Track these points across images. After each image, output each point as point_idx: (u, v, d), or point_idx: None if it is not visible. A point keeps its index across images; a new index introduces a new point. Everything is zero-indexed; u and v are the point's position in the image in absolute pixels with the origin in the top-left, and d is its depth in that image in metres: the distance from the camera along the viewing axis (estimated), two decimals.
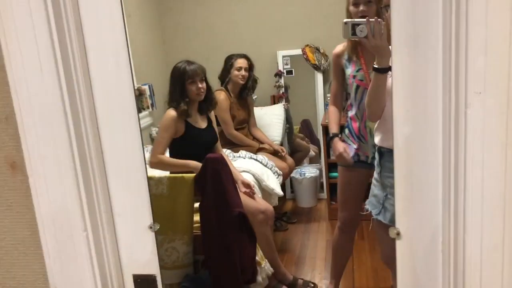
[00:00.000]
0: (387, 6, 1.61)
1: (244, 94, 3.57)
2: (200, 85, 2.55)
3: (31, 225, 0.94)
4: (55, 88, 0.85)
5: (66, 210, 0.90)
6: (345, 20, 1.64)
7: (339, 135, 2.26)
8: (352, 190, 2.28)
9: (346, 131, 2.27)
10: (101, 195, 0.94)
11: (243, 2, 4.12)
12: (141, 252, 1.00)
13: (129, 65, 0.89)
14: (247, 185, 2.60)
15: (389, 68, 1.58)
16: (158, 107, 3.84)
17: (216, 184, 2.11)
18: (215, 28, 4.21)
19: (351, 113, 2.24)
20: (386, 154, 1.69)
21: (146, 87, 3.63)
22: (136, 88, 3.52)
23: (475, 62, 0.71)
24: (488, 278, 0.78)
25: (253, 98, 3.82)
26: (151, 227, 0.98)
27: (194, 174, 2.20)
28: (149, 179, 2.15)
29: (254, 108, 3.79)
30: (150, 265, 1.00)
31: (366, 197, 1.92)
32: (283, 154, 3.49)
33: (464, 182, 0.77)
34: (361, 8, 2.00)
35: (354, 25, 1.60)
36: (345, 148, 2.18)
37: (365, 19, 1.62)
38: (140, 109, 3.67)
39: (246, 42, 4.09)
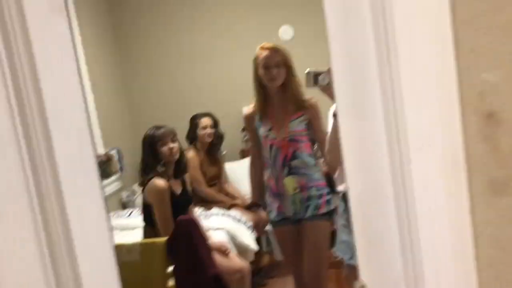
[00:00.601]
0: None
1: (212, 150, 3.63)
2: (171, 145, 2.58)
3: None
4: (17, 166, 0.87)
5: None
6: (307, 70, 1.73)
7: (257, 204, 2.38)
8: (290, 246, 2.33)
9: (268, 191, 2.33)
10: (70, 275, 0.94)
11: (207, 63, 4.27)
12: None
13: (91, 143, 0.92)
14: (219, 248, 2.60)
15: None
16: (127, 171, 3.84)
17: (189, 247, 2.11)
18: (182, 90, 4.33)
19: (268, 172, 2.31)
20: None
21: (114, 152, 3.64)
22: (104, 153, 3.53)
23: (412, 121, 0.78)
24: None
25: (222, 153, 3.88)
26: None
27: (166, 238, 2.19)
28: (121, 246, 2.14)
29: (225, 163, 3.84)
30: None
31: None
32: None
33: (417, 233, 0.82)
34: (274, 71, 2.14)
35: (316, 75, 1.69)
36: (259, 221, 2.45)
37: (326, 69, 1.71)
38: (108, 174, 3.66)
39: (213, 100, 4.19)
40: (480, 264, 0.81)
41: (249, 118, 2.34)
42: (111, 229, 0.96)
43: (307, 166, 2.25)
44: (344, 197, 1.78)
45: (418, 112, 0.78)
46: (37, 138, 0.90)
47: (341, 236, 1.81)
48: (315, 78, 1.69)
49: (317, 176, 2.29)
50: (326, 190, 2.27)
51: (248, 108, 2.35)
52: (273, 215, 2.29)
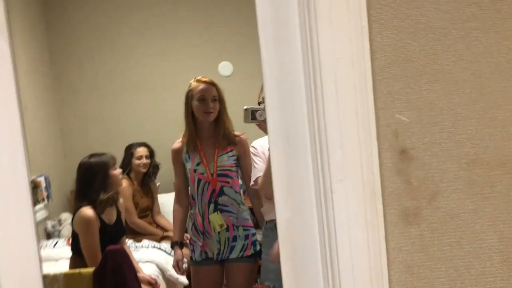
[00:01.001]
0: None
1: (146, 181, 3.59)
2: (119, 171, 2.57)
3: None
4: None
5: None
6: (246, 107, 1.80)
7: (179, 243, 2.26)
8: (209, 287, 2.25)
9: (192, 228, 2.26)
10: None
11: (145, 93, 4.26)
12: None
13: (26, 168, 0.92)
14: (149, 281, 2.56)
15: None
16: (54, 199, 3.68)
17: (118, 279, 2.06)
18: (115, 118, 4.26)
19: (194, 209, 2.25)
20: None
21: (41, 179, 3.50)
22: (31, 180, 3.38)
23: (335, 155, 0.86)
24: None
25: (157, 185, 3.84)
26: None
27: (92, 269, 2.12)
28: (44, 277, 2.04)
29: (158, 195, 3.79)
30: None
31: None
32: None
33: (337, 259, 0.88)
34: (210, 105, 2.16)
35: (254, 111, 1.77)
36: (179, 261, 2.23)
37: (263, 105, 1.79)
38: (35, 202, 3.49)
39: (148, 130, 4.17)
40: (392, 287, 0.89)
41: (176, 152, 2.29)
42: (40, 259, 0.94)
43: (234, 203, 2.22)
44: (271, 228, 1.84)
45: (340, 146, 0.86)
46: None
47: (269, 266, 1.86)
48: (252, 114, 1.77)
49: (245, 215, 2.27)
50: (253, 231, 2.26)
51: (176, 142, 2.31)
52: (196, 254, 2.21)
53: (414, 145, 0.87)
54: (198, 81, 2.25)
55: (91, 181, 2.50)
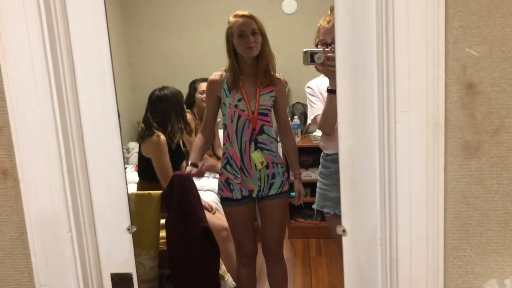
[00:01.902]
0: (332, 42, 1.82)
1: None
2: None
3: (19, 227, 1.04)
4: (47, 104, 0.97)
5: (53, 213, 1.01)
6: (305, 49, 1.81)
7: (193, 164, 2.23)
8: (243, 225, 2.29)
9: (228, 167, 2.24)
10: (84, 200, 1.05)
11: (207, 29, 4.31)
12: (118, 253, 1.11)
13: (113, 84, 1.02)
14: (207, 207, 2.76)
15: None
16: (122, 129, 3.92)
17: (183, 201, 2.22)
18: (180, 53, 4.37)
19: (230, 146, 2.22)
20: None
21: None
22: None
23: (401, 87, 0.89)
24: (416, 263, 0.94)
25: (217, 120, 3.97)
26: (128, 229, 1.09)
27: (161, 191, 2.30)
28: None
29: (219, 130, 3.94)
30: (127, 265, 1.11)
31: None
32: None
33: (396, 185, 0.94)
34: (251, 39, 2.10)
35: (312, 54, 1.79)
36: (188, 171, 2.20)
37: (321, 48, 1.81)
38: None
39: (211, 65, 4.24)
40: (447, 216, 0.94)
41: (213, 84, 2.24)
42: (123, 162, 1.07)
43: (271, 142, 2.24)
44: (333, 159, 1.92)
45: (407, 78, 0.89)
46: (65, 84, 0.99)
47: (328, 194, 1.96)
48: (311, 56, 1.79)
49: (279, 154, 2.29)
50: (284, 169, 2.30)
51: (214, 74, 2.27)
52: (236, 193, 2.22)
53: (481, 79, 0.88)
54: (236, 16, 2.18)
55: (167, 111, 2.70)
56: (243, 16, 2.17)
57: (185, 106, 2.86)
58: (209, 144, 2.40)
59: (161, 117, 2.68)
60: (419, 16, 0.86)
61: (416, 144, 0.91)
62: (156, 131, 2.62)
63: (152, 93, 2.75)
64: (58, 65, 0.98)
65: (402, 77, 0.89)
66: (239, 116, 2.18)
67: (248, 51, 2.14)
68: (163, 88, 2.76)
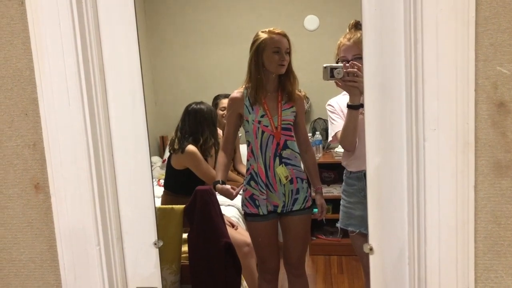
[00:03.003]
0: (360, 57, 1.82)
1: None
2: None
3: (48, 240, 1.06)
4: (79, 121, 1.00)
5: (82, 226, 1.03)
6: (325, 65, 1.82)
7: (221, 181, 2.28)
8: (267, 241, 2.29)
9: (252, 183, 2.24)
10: (113, 214, 1.07)
11: (230, 45, 4.36)
12: (145, 267, 1.12)
13: (143, 101, 1.04)
14: (229, 222, 2.77)
15: (361, 105, 1.78)
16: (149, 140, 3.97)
17: (205, 215, 2.23)
18: (203, 69, 4.42)
19: (254, 162, 2.23)
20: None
21: None
22: None
23: (430, 105, 0.89)
24: (446, 284, 0.93)
25: (239, 135, 3.99)
26: (155, 244, 1.10)
27: (183, 206, 2.31)
28: None
29: (240, 145, 3.95)
30: (153, 279, 1.12)
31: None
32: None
33: (424, 204, 0.93)
34: (285, 57, 2.14)
35: (332, 69, 1.80)
36: (229, 189, 2.24)
37: (342, 64, 1.82)
38: None
39: (233, 83, 4.29)
40: (478, 236, 0.92)
41: (234, 101, 2.26)
42: (151, 178, 1.08)
43: (295, 157, 2.24)
44: (357, 177, 1.90)
45: (436, 96, 0.88)
46: (97, 102, 1.02)
47: (353, 213, 1.94)
48: (331, 72, 1.80)
49: (302, 169, 2.30)
50: (308, 185, 2.30)
51: (235, 91, 2.29)
52: (262, 208, 2.21)
53: None
54: (271, 32, 2.20)
55: (201, 124, 2.80)
56: (279, 33, 2.20)
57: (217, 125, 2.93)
58: (231, 159, 2.42)
59: (195, 130, 2.78)
60: (448, 34, 0.86)
61: (445, 162, 0.90)
62: (188, 144, 2.74)
63: (189, 105, 2.87)
64: (91, 83, 1.01)
65: (431, 95, 0.88)
66: (262, 132, 2.19)
67: (280, 68, 2.17)
68: (200, 103, 2.87)
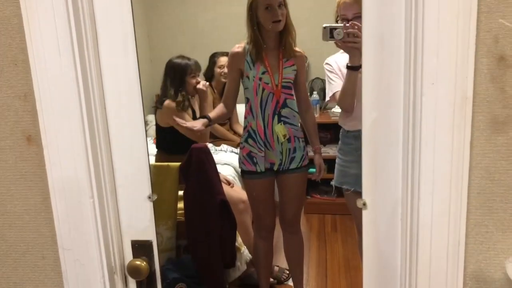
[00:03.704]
0: (360, 16, 1.78)
1: None
2: (198, 79, 2.71)
3: (42, 192, 1.05)
4: (70, 69, 0.97)
5: (76, 178, 1.02)
6: (324, 25, 1.78)
7: (208, 117, 2.26)
8: (263, 198, 2.31)
9: (250, 140, 2.23)
10: (106, 167, 1.06)
11: (227, 2, 4.25)
12: (139, 220, 1.12)
13: (136, 51, 1.01)
14: (225, 180, 2.77)
15: (360, 66, 1.75)
16: (144, 98, 3.94)
17: (201, 173, 2.24)
18: (200, 26, 4.33)
19: (253, 120, 2.21)
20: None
21: None
22: None
23: (429, 59, 0.87)
24: (437, 239, 0.94)
25: None
26: (149, 197, 1.10)
27: (179, 163, 2.32)
28: None
29: (236, 105, 3.93)
30: (147, 232, 1.13)
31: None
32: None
33: (419, 159, 0.92)
34: (278, 12, 2.05)
35: (332, 29, 1.76)
36: (195, 125, 2.20)
37: (342, 24, 1.77)
38: None
39: (230, 39, 4.21)
40: (471, 191, 0.92)
41: (235, 57, 2.21)
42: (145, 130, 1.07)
43: (294, 116, 2.23)
44: (354, 136, 1.90)
45: (436, 49, 0.86)
46: (88, 49, 0.99)
47: (348, 171, 1.95)
48: (331, 32, 1.76)
49: (300, 128, 2.29)
50: (305, 144, 2.29)
51: (236, 46, 2.23)
52: (260, 165, 2.22)
53: None
54: None
55: (170, 80, 2.73)
56: None
57: (185, 79, 2.79)
58: (229, 114, 2.39)
59: (166, 85, 2.75)
60: None
61: (442, 117, 0.89)
62: (165, 99, 2.70)
63: (168, 60, 2.80)
64: (81, 32, 0.98)
65: (431, 48, 0.86)
66: (263, 89, 2.16)
67: (275, 25, 2.10)
68: (179, 56, 2.80)
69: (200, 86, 2.72)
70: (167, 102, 2.70)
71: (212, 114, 2.32)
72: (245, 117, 2.28)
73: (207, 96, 2.77)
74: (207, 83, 2.80)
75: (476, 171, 0.91)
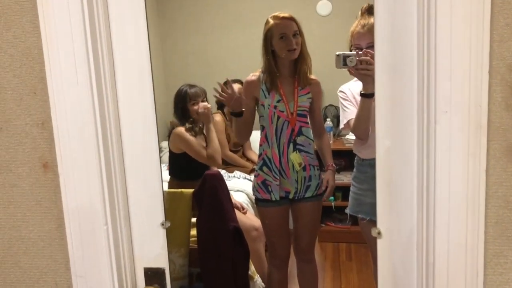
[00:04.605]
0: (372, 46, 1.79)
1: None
2: (201, 104, 2.72)
3: (57, 219, 1.06)
4: (87, 98, 0.99)
5: (90, 205, 1.03)
6: (338, 52, 1.80)
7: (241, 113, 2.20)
8: (278, 227, 2.29)
9: (264, 168, 2.22)
10: (121, 194, 1.07)
11: (241, 30, 4.33)
12: (152, 247, 1.12)
13: (152, 81, 1.04)
14: (238, 207, 2.76)
15: (374, 94, 1.75)
16: (158, 125, 3.98)
17: (214, 200, 2.23)
18: (214, 54, 4.41)
19: (268, 148, 2.21)
20: None
21: None
22: None
23: (442, 87, 0.87)
24: (454, 269, 0.92)
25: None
26: (162, 224, 1.11)
27: (192, 190, 2.32)
28: None
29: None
30: (160, 259, 1.12)
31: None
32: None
33: (434, 187, 0.91)
34: (293, 41, 2.07)
35: (345, 57, 1.77)
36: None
37: (354, 52, 1.79)
38: None
39: (244, 67, 4.26)
40: (488, 221, 0.90)
41: (251, 85, 2.23)
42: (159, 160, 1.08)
43: (309, 144, 2.22)
44: (370, 164, 1.89)
45: (448, 77, 0.86)
46: (105, 80, 1.01)
47: (364, 200, 1.93)
48: (344, 60, 1.77)
49: (315, 156, 2.28)
50: (320, 171, 2.29)
51: (251, 75, 2.26)
52: (275, 193, 2.21)
53: None
54: (275, 17, 2.16)
55: (174, 108, 2.82)
56: (283, 18, 2.15)
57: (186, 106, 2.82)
58: (250, 133, 2.39)
59: (177, 115, 2.81)
60: (463, 13, 0.83)
61: (456, 145, 0.88)
62: (177, 126, 2.75)
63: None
64: (99, 62, 1.00)
65: (444, 77, 0.86)
66: (278, 117, 2.17)
67: (290, 54, 2.13)
68: (188, 85, 2.84)
69: (200, 109, 2.72)
70: (178, 128, 2.74)
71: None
72: (260, 145, 2.28)
73: (209, 119, 2.76)
74: (208, 104, 2.77)
75: (493, 200, 0.90)
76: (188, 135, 2.71)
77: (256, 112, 2.31)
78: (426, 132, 0.90)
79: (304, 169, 2.21)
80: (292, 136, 2.19)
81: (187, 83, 2.84)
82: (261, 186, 2.26)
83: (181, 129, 2.73)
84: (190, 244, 2.38)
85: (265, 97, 2.19)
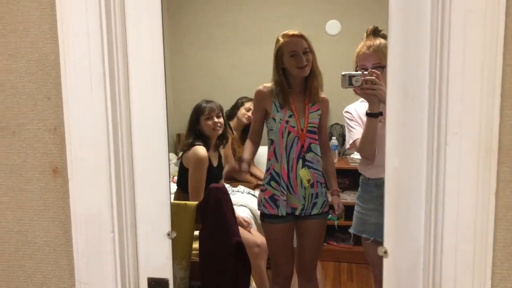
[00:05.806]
0: (379, 66, 1.81)
1: (246, 132, 3.74)
2: (216, 120, 2.71)
3: (64, 224, 1.07)
4: (101, 107, 1.00)
5: (98, 212, 1.03)
6: (343, 72, 1.82)
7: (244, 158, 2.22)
8: (283, 244, 2.27)
9: (273, 183, 2.22)
10: (128, 202, 1.08)
11: (249, 47, 4.36)
12: (157, 257, 1.12)
13: (164, 90, 1.05)
14: (241, 222, 2.74)
15: (380, 113, 1.76)
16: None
17: (218, 213, 2.23)
18: (222, 69, 4.44)
19: (276, 162, 2.20)
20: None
21: None
22: None
23: (453, 108, 0.87)
24: None
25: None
26: (168, 234, 1.11)
27: (196, 202, 2.32)
28: None
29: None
30: (164, 270, 1.12)
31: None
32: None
33: (443, 209, 0.91)
34: (303, 58, 2.10)
35: (351, 77, 1.79)
36: (244, 168, 2.19)
37: (360, 72, 1.80)
38: None
39: (252, 83, 4.29)
40: (497, 245, 0.90)
41: (262, 95, 2.23)
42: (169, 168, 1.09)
43: (318, 161, 2.23)
44: (376, 184, 1.88)
45: (460, 99, 0.87)
46: (119, 88, 1.02)
47: (369, 219, 1.92)
48: (349, 79, 1.79)
49: (322, 174, 2.29)
50: (326, 189, 2.29)
51: (263, 85, 2.26)
52: (282, 209, 2.20)
53: None
54: (285, 35, 2.18)
55: (194, 123, 2.77)
56: (293, 36, 2.18)
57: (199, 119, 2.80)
58: (257, 150, 2.38)
59: (192, 128, 2.74)
60: (476, 36, 0.84)
61: (466, 167, 0.89)
62: (197, 143, 2.66)
63: None
64: (114, 71, 1.02)
65: (455, 98, 0.87)
66: (289, 132, 2.18)
67: (300, 71, 2.16)
68: (204, 100, 2.82)
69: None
70: (201, 150, 2.63)
71: (246, 155, 2.30)
72: (268, 159, 2.27)
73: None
74: (222, 120, 2.80)
75: (502, 223, 0.89)
76: (205, 165, 2.63)
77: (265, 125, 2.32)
78: (436, 153, 0.91)
79: (312, 185, 2.21)
80: (301, 152, 2.19)
81: (204, 99, 2.86)
82: (268, 201, 2.25)
83: (204, 152, 2.63)
84: (192, 257, 2.37)
85: (277, 111, 2.20)
